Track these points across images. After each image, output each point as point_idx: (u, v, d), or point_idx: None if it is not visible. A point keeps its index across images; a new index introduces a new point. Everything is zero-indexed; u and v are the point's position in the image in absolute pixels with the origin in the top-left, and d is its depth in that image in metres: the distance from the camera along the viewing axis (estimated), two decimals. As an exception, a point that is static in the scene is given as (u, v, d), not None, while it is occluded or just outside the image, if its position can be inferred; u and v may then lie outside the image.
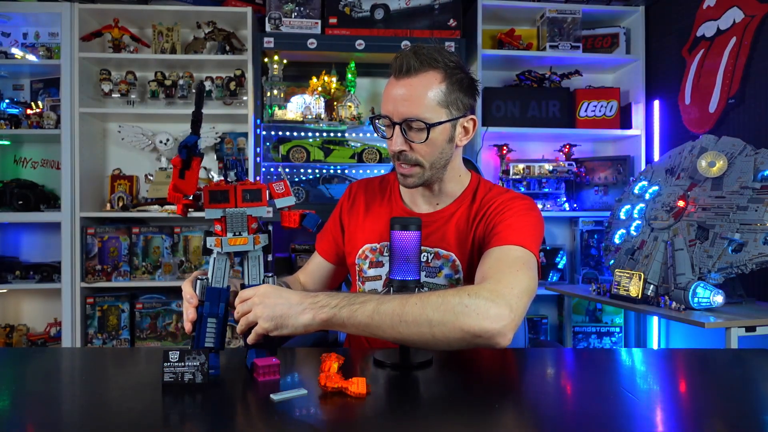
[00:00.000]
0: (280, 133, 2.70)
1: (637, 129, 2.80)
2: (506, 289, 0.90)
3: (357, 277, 1.24)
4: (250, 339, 0.88)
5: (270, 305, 0.87)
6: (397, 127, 1.08)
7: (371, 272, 1.21)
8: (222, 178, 0.90)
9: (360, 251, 1.23)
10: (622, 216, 2.31)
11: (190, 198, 0.86)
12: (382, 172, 2.67)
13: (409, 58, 1.07)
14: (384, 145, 2.72)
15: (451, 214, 1.19)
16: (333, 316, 0.87)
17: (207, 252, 0.87)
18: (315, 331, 0.90)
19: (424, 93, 1.07)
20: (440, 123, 1.08)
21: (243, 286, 0.90)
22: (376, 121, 1.16)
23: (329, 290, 1.36)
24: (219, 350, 0.87)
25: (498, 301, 0.87)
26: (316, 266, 1.34)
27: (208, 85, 2.71)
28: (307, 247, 2.74)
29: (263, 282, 0.90)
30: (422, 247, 1.15)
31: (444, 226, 1.18)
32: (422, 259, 1.16)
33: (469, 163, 1.49)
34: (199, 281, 0.86)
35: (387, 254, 1.19)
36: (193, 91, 2.71)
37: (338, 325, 0.88)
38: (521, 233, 1.05)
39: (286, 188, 0.92)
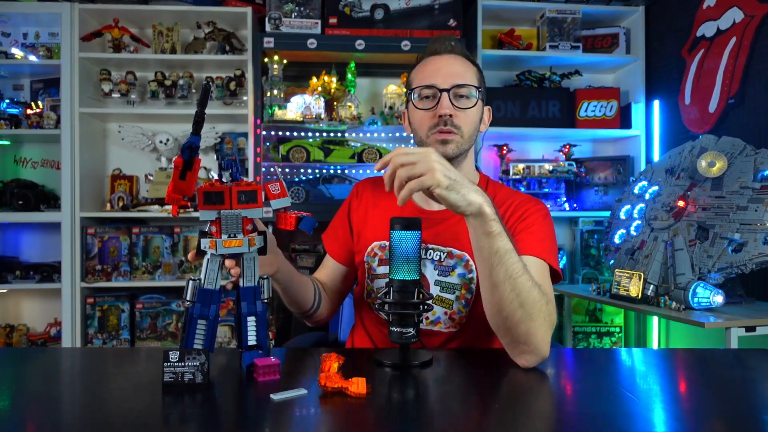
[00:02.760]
0: (280, 133, 2.70)
1: (637, 129, 2.80)
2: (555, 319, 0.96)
3: (366, 275, 1.23)
4: (403, 195, 0.86)
5: (447, 166, 0.87)
6: (445, 93, 1.12)
7: (381, 270, 1.20)
8: (217, 178, 0.88)
9: (369, 249, 1.22)
10: (622, 216, 2.31)
11: (186, 199, 0.85)
12: (383, 172, 2.66)
13: (449, 41, 1.18)
14: (384, 145, 2.72)
15: None
16: (492, 221, 0.88)
17: (201, 253, 0.86)
18: (468, 214, 0.89)
19: (468, 68, 1.17)
20: (482, 94, 1.16)
21: (237, 288, 0.89)
22: (414, 96, 1.17)
23: (346, 292, 1.35)
24: (208, 353, 0.86)
25: (551, 331, 0.94)
26: (330, 269, 1.30)
27: (208, 85, 2.71)
28: (306, 248, 2.74)
29: (258, 284, 0.89)
30: (434, 246, 1.15)
31: (457, 224, 1.16)
32: (435, 258, 1.15)
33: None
34: (191, 282, 0.85)
35: None
36: (194, 91, 2.72)
37: (482, 231, 0.89)
38: (547, 247, 1.10)
39: (282, 189, 0.91)
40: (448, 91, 1.12)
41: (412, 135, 1.23)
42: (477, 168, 1.44)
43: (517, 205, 1.17)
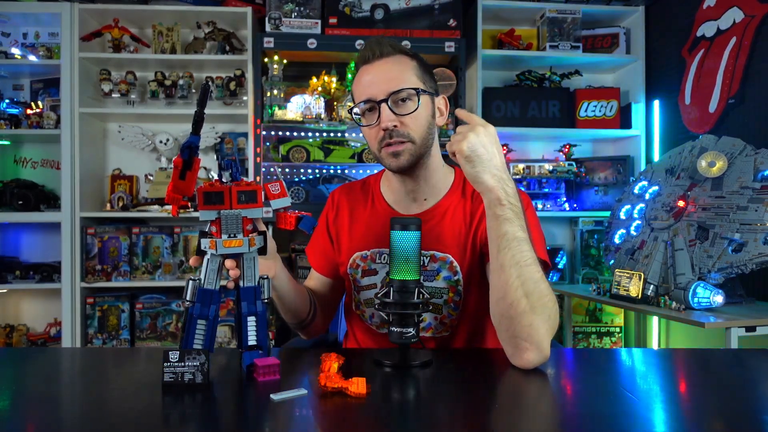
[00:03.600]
0: (280, 133, 2.70)
1: (637, 129, 2.80)
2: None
3: (352, 287, 1.21)
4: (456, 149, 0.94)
5: (482, 143, 0.93)
6: (384, 104, 1.06)
7: (365, 281, 1.18)
8: (217, 178, 0.88)
9: (351, 261, 1.19)
10: (622, 216, 2.31)
11: (186, 199, 0.85)
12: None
13: (377, 45, 1.10)
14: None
15: (443, 212, 1.15)
16: (502, 205, 0.92)
17: (201, 253, 0.86)
18: (481, 192, 0.95)
19: (403, 68, 1.10)
20: (426, 92, 1.10)
21: (237, 288, 0.89)
22: (355, 113, 1.13)
23: (337, 302, 1.32)
24: (208, 353, 0.85)
25: (553, 333, 0.95)
26: (316, 282, 1.27)
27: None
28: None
29: (258, 284, 0.89)
30: None
31: (438, 226, 1.14)
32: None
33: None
34: (191, 282, 0.85)
35: (379, 261, 1.16)
36: (194, 91, 2.72)
37: (491, 213, 0.93)
38: (534, 240, 1.04)
39: (281, 189, 0.90)
40: (385, 101, 1.06)
41: None
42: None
43: None
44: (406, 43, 2.59)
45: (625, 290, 2.01)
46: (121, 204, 2.66)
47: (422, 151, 1.10)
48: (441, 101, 1.17)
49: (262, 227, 0.92)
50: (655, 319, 2.67)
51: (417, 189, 1.17)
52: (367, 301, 1.18)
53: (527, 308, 0.89)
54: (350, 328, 1.27)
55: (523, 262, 0.90)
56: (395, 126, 1.07)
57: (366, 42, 1.13)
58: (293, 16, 2.61)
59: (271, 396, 0.74)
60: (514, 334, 0.90)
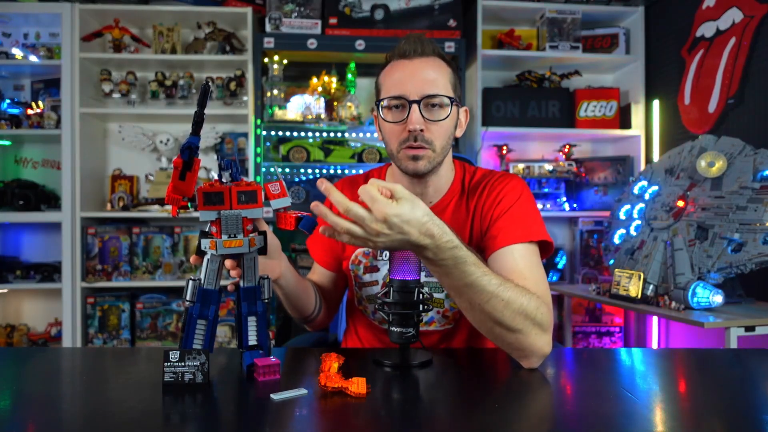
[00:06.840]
0: (281, 133, 2.70)
1: (637, 129, 2.81)
2: (551, 314, 0.94)
3: (354, 283, 1.21)
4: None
5: (391, 240, 0.79)
6: (415, 105, 1.04)
7: (367, 277, 1.18)
8: (217, 178, 0.88)
9: (353, 256, 1.19)
10: (622, 216, 2.31)
11: (186, 199, 0.85)
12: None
13: (419, 42, 1.07)
14: (383, 145, 2.72)
15: (444, 208, 1.16)
16: (438, 260, 0.82)
17: (201, 253, 0.86)
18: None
19: (440, 72, 1.07)
20: (457, 102, 1.08)
21: (238, 288, 0.89)
22: (382, 105, 1.09)
23: (340, 296, 1.32)
24: (209, 353, 0.86)
25: (550, 330, 0.92)
26: (319, 275, 1.26)
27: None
28: (307, 247, 2.74)
29: (259, 284, 0.89)
30: None
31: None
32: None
33: (469, 163, 1.48)
34: (191, 282, 0.85)
35: (381, 258, 1.16)
36: (194, 91, 2.72)
37: (433, 270, 0.85)
38: (528, 227, 1.05)
39: (282, 189, 0.90)
40: (418, 102, 1.03)
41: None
42: (466, 157, 1.41)
43: (491, 187, 1.12)
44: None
45: (624, 290, 2.01)
46: (121, 204, 2.66)
47: (440, 160, 1.10)
48: (462, 113, 1.15)
49: (263, 227, 0.92)
50: (654, 319, 2.67)
51: (425, 192, 1.17)
52: (369, 297, 1.18)
53: (504, 331, 0.88)
54: (352, 324, 1.28)
55: (481, 301, 0.86)
56: (421, 130, 1.04)
57: (406, 37, 1.09)
58: (293, 16, 2.61)
59: (271, 396, 0.74)
60: (505, 347, 0.92)
